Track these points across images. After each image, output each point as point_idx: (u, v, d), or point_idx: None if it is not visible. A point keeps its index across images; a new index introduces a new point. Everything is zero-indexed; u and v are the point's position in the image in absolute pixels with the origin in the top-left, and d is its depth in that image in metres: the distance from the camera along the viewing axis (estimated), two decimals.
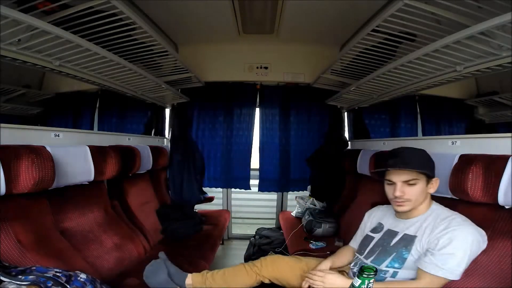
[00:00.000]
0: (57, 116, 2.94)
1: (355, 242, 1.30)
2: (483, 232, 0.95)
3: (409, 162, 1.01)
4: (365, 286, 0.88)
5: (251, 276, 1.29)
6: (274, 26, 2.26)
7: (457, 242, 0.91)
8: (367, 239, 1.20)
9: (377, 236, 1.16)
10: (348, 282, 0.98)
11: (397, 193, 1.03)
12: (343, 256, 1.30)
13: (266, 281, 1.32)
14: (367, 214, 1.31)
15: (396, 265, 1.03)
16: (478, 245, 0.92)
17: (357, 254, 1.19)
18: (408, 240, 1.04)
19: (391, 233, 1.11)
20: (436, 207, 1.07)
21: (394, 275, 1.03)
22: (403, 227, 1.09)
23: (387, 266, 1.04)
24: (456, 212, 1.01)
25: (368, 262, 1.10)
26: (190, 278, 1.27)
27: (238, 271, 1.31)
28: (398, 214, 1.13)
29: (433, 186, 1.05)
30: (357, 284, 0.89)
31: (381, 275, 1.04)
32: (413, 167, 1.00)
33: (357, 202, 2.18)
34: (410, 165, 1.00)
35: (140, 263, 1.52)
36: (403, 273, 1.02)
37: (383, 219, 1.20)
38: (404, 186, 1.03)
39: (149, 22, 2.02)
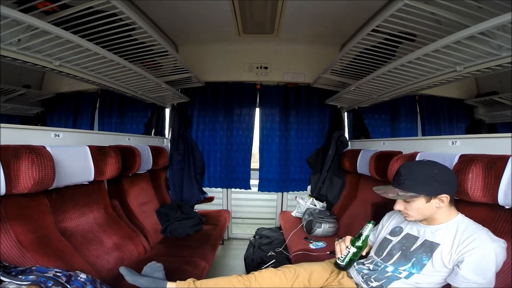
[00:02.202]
0: (57, 116, 2.95)
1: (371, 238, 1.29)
2: (505, 244, 0.92)
3: (402, 184, 1.03)
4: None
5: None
6: (274, 26, 2.26)
7: (488, 259, 0.89)
8: (385, 242, 1.18)
9: (395, 239, 1.14)
10: None
11: (396, 207, 1.07)
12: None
13: None
14: (387, 215, 1.28)
15: (414, 270, 1.02)
16: (503, 257, 0.91)
17: (374, 256, 1.18)
18: (429, 247, 1.02)
19: (410, 237, 1.10)
20: (462, 218, 1.02)
21: (408, 276, 1.03)
22: (423, 233, 1.07)
23: (405, 270, 1.04)
24: (480, 226, 0.98)
25: (387, 264, 1.10)
26: (172, 285, 1.22)
27: (230, 282, 1.24)
28: (422, 220, 1.10)
29: (444, 202, 0.99)
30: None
31: (396, 274, 1.05)
32: (402, 191, 1.02)
33: (357, 202, 2.18)
34: (402, 186, 1.03)
35: (140, 263, 1.52)
36: (418, 277, 1.01)
37: (402, 223, 1.17)
38: (403, 203, 1.06)
39: (149, 22, 2.03)
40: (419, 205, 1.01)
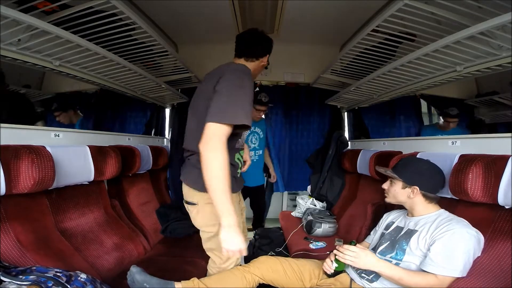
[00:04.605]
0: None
1: (369, 238, 1.38)
2: (478, 235, 0.98)
3: (395, 167, 1.22)
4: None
5: (247, 279, 1.28)
6: (274, 26, 2.26)
7: (455, 241, 0.96)
8: (381, 235, 1.28)
9: (386, 232, 1.26)
10: (379, 263, 1.07)
11: (383, 185, 1.28)
12: None
13: (262, 282, 1.32)
14: (385, 214, 1.37)
15: (398, 257, 1.11)
16: (478, 242, 0.96)
17: (372, 251, 1.25)
18: (409, 234, 1.12)
19: (398, 229, 1.21)
20: (444, 211, 1.13)
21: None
22: (408, 224, 1.18)
23: (391, 257, 1.13)
24: (460, 218, 1.05)
25: (376, 253, 1.19)
26: (179, 284, 1.23)
27: (232, 274, 1.28)
28: (408, 214, 1.22)
29: (414, 194, 1.14)
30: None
31: None
32: (392, 171, 1.20)
33: (357, 202, 2.18)
34: (394, 169, 1.21)
35: (140, 263, 1.52)
36: (403, 265, 1.08)
37: (395, 219, 1.29)
38: (389, 183, 1.25)
39: (149, 22, 2.02)
40: (396, 189, 1.19)
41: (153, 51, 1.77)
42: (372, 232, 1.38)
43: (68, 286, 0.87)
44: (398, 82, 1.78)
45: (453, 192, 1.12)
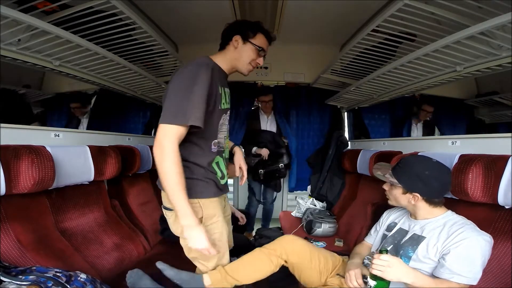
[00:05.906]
0: (57, 116, 2.94)
1: (370, 238, 1.33)
2: (490, 239, 0.94)
3: (395, 169, 1.13)
4: None
5: (273, 262, 1.21)
6: (274, 26, 2.26)
7: (474, 250, 0.91)
8: (382, 237, 1.24)
9: (389, 234, 1.21)
10: (411, 273, 0.95)
11: (384, 186, 1.20)
12: (364, 252, 1.30)
13: (286, 265, 1.25)
14: (385, 212, 1.32)
15: None
16: (490, 247, 0.93)
17: (374, 252, 1.21)
18: (416, 240, 1.06)
19: (402, 232, 1.15)
20: (451, 214, 1.06)
21: None
22: (413, 227, 1.12)
23: None
24: (468, 220, 1.00)
25: None
26: (207, 278, 1.15)
27: (257, 258, 1.20)
28: (411, 215, 1.16)
29: (415, 200, 1.07)
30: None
31: None
32: (392, 173, 1.12)
33: (357, 202, 2.18)
34: (394, 171, 1.13)
35: (140, 263, 1.52)
36: None
37: (397, 219, 1.23)
38: (389, 184, 1.17)
39: (149, 22, 2.02)
40: (397, 193, 1.13)
41: (153, 51, 1.77)
42: (372, 231, 1.33)
43: (68, 286, 0.87)
44: (398, 82, 1.78)
45: (453, 192, 1.12)
